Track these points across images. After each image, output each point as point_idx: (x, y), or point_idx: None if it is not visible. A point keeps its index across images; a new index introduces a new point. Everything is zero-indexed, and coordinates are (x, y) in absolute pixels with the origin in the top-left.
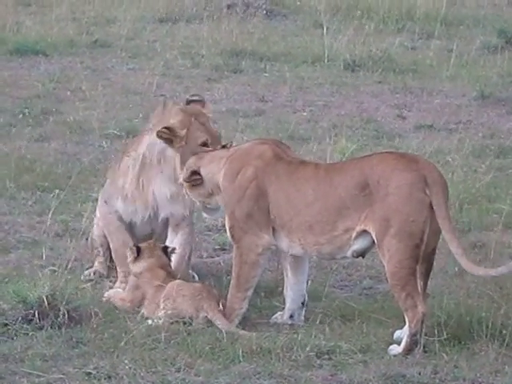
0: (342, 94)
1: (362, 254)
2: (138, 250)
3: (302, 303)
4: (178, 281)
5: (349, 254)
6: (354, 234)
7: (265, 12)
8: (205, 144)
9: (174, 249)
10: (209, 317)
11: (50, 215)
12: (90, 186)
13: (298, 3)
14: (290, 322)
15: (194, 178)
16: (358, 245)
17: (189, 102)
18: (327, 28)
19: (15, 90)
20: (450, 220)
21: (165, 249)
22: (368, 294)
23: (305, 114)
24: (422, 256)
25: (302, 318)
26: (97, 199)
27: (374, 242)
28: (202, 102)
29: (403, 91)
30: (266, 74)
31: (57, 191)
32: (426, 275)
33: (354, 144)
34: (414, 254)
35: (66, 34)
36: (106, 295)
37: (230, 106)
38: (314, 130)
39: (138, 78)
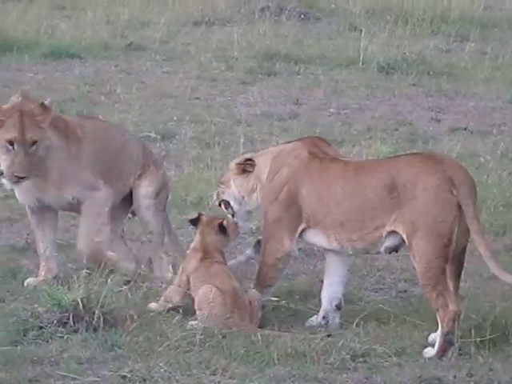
0: (376, 97)
1: (394, 249)
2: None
3: (337, 306)
4: (206, 288)
5: (382, 249)
6: (384, 233)
7: (299, 15)
8: (11, 141)
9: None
10: (237, 328)
11: None
12: None
13: (333, 6)
14: (323, 323)
15: (248, 163)
16: (390, 242)
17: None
18: (362, 31)
19: (50, 93)
20: (478, 220)
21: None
22: (403, 297)
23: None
24: (452, 256)
25: (337, 321)
26: None
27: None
28: (46, 107)
29: (438, 94)
30: (300, 77)
31: None
32: (458, 275)
33: (388, 147)
34: (442, 253)
35: (101, 37)
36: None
37: (264, 108)
38: (348, 133)
39: (173, 81)
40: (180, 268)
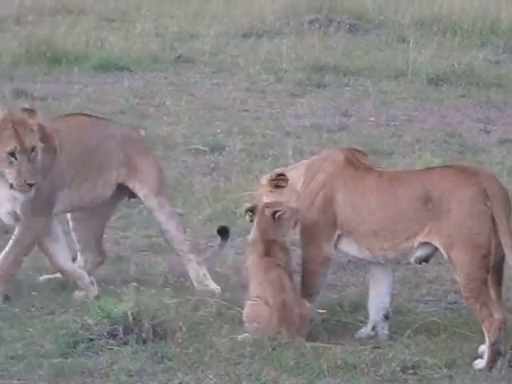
0: (425, 109)
1: (425, 260)
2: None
3: (385, 316)
4: (255, 303)
5: (412, 260)
6: (416, 244)
7: (348, 26)
8: (12, 152)
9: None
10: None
11: (134, 230)
12: (174, 200)
13: (382, 17)
14: (372, 334)
15: (281, 179)
16: (421, 252)
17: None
18: (411, 42)
19: (99, 106)
20: (510, 234)
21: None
22: (453, 309)
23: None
24: (496, 268)
25: (386, 331)
26: (181, 214)
27: (435, 249)
28: (32, 111)
29: (487, 105)
30: (349, 89)
31: (141, 206)
32: (498, 284)
33: (438, 158)
34: (482, 264)
35: (150, 50)
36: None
37: (313, 120)
38: (397, 145)
39: (222, 93)
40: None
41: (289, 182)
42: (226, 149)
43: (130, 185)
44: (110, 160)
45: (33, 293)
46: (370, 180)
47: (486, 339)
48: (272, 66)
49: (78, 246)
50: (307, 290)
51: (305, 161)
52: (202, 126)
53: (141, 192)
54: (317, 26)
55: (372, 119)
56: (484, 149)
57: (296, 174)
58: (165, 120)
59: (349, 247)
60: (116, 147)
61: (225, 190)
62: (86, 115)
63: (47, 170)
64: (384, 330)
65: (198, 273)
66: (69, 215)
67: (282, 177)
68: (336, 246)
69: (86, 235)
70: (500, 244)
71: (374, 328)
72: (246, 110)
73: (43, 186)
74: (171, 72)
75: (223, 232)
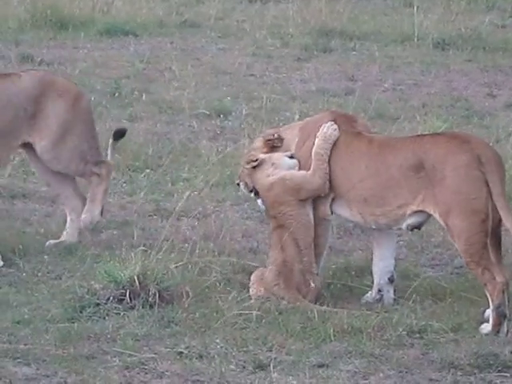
0: (431, 73)
1: (417, 227)
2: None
3: (390, 279)
4: (258, 272)
5: (404, 226)
6: (408, 212)
7: None
8: None
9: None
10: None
11: (141, 195)
12: (180, 165)
13: None
14: (378, 298)
15: (275, 139)
16: (414, 219)
17: None
18: (417, 7)
19: (105, 71)
20: (504, 197)
21: None
22: (459, 273)
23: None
24: (493, 230)
25: (392, 295)
26: (187, 179)
27: (428, 216)
28: None
29: (493, 70)
30: (355, 53)
31: (147, 171)
32: (497, 247)
33: (444, 123)
34: (481, 228)
35: (156, 15)
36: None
37: (319, 85)
38: (403, 109)
39: (228, 58)
40: None
41: (284, 142)
42: (233, 113)
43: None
44: (20, 116)
45: (39, 257)
46: (359, 146)
47: (490, 303)
48: (278, 31)
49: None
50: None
51: (299, 122)
52: (208, 90)
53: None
54: None
55: (378, 84)
56: (490, 113)
57: (290, 135)
58: (171, 85)
59: (342, 210)
60: (27, 101)
61: (231, 155)
62: None
63: None
64: (390, 294)
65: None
66: None
67: (277, 137)
68: (332, 207)
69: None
70: (496, 208)
71: (379, 291)
72: (252, 75)
73: None
74: (177, 37)
75: (118, 134)
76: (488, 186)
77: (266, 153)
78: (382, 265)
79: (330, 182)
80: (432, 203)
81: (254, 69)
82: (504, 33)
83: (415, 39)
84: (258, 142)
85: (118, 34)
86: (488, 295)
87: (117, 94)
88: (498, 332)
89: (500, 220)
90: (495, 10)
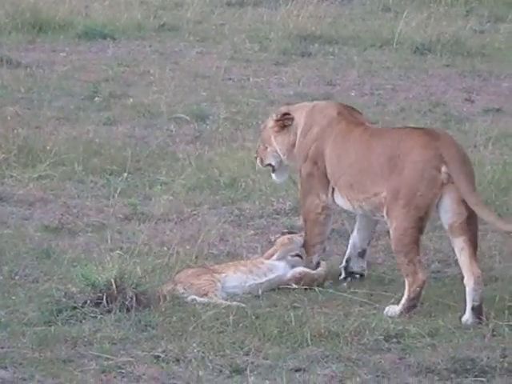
0: (410, 78)
1: None
2: None
3: (360, 254)
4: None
5: (385, 214)
6: (383, 200)
7: None
8: None
9: None
10: None
11: (117, 198)
12: (157, 169)
13: None
14: (344, 265)
15: (286, 118)
16: None
17: None
18: (396, 12)
19: (83, 74)
20: (472, 193)
21: None
22: (436, 278)
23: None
24: (465, 227)
25: (362, 266)
26: (165, 182)
27: None
28: None
29: (471, 75)
30: (334, 58)
31: (125, 174)
32: (472, 242)
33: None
34: (418, 224)
35: (134, 18)
36: None
37: (297, 89)
38: (382, 114)
39: (206, 62)
40: None
41: (294, 122)
42: (210, 117)
43: None
44: None
45: (16, 260)
46: (355, 134)
47: (405, 293)
48: (256, 35)
49: None
50: (310, 241)
51: (308, 103)
52: (186, 94)
53: None
54: None
55: (356, 88)
56: (468, 118)
57: (299, 116)
58: (149, 88)
59: (338, 200)
60: None
61: (209, 159)
62: None
63: None
64: (358, 265)
65: None
66: None
67: (287, 116)
68: (333, 199)
69: None
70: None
71: (347, 261)
72: (230, 79)
73: None
74: (156, 40)
75: None
76: (440, 187)
77: (277, 132)
78: (357, 238)
79: (327, 170)
80: (387, 187)
81: (233, 73)
82: (482, 38)
83: (394, 44)
84: (270, 123)
85: (96, 37)
86: (406, 286)
87: (96, 98)
88: (405, 314)
89: (474, 215)
90: (474, 15)
